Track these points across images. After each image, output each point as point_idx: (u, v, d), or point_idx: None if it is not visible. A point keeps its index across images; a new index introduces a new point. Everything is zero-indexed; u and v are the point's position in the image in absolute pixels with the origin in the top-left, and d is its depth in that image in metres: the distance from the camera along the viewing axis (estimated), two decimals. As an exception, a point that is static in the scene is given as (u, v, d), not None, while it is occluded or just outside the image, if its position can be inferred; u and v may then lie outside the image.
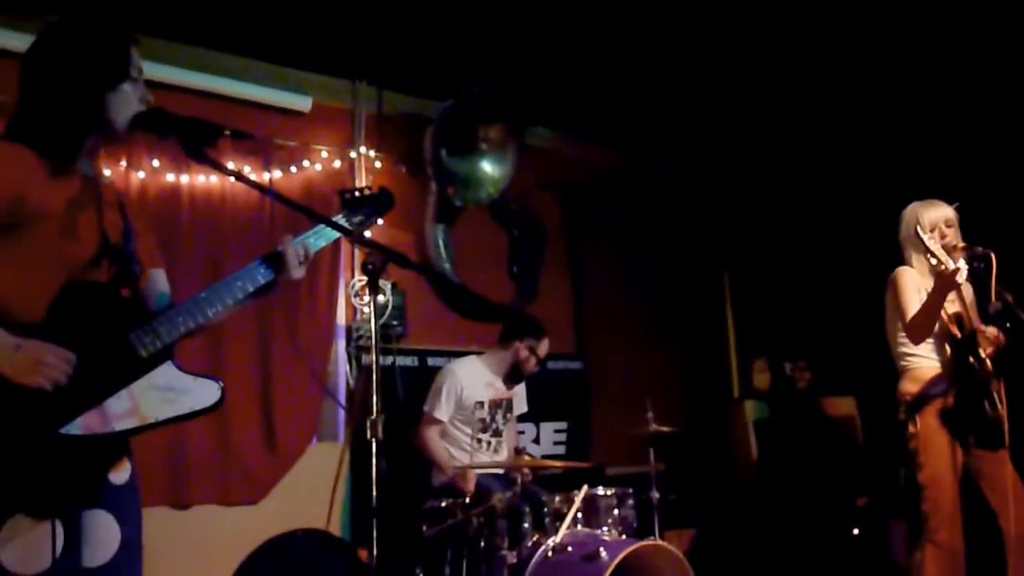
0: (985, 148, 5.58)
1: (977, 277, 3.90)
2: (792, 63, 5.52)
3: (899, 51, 5.31)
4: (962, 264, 3.68)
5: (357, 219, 2.55)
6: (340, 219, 2.52)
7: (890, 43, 5.26)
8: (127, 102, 2.16)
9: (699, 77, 5.76)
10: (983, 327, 3.87)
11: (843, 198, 6.33)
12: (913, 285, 3.91)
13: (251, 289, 2.29)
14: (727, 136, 6.57)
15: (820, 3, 4.90)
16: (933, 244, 3.67)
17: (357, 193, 2.60)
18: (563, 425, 6.23)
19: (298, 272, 2.36)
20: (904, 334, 3.92)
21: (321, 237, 2.45)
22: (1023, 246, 4.20)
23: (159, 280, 2.35)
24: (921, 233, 3.74)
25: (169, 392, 2.12)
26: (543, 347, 4.99)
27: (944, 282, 3.63)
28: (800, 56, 5.43)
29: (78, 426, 1.97)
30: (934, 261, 3.65)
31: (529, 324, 5.06)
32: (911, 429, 3.87)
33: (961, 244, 3.90)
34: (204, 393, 2.17)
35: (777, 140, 6.46)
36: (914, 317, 3.82)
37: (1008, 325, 3.81)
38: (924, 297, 3.81)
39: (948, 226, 3.94)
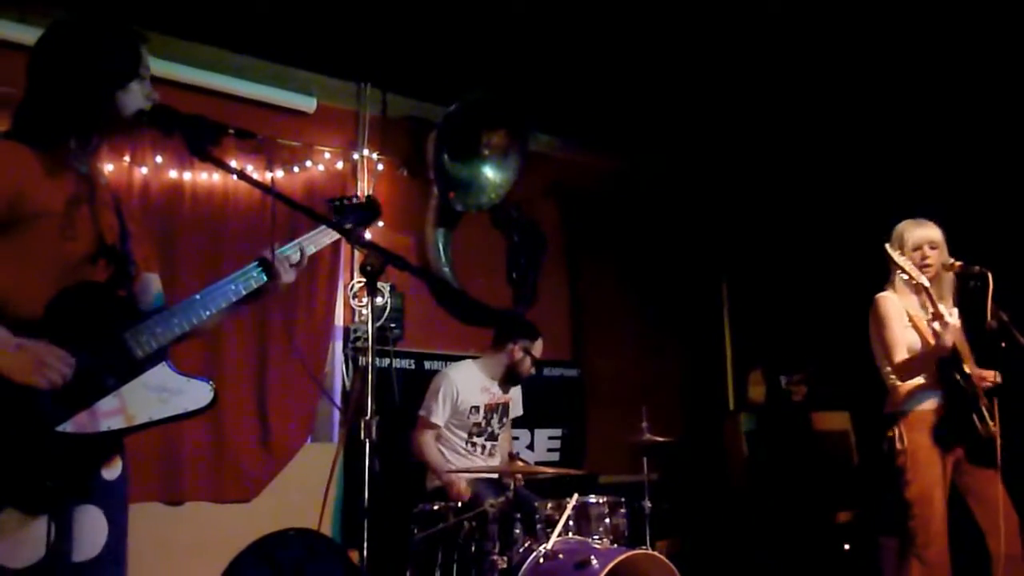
0: (982, 160, 5.59)
1: (973, 296, 3.90)
2: (792, 72, 5.54)
3: (896, 63, 5.33)
4: (955, 319, 3.77)
5: (347, 227, 2.57)
6: None
7: (887, 55, 5.28)
8: (135, 100, 2.18)
9: (699, 84, 5.78)
10: (981, 372, 3.88)
11: (844, 211, 6.32)
12: (895, 313, 3.90)
13: (244, 292, 2.30)
14: (728, 145, 6.58)
15: (817, 12, 4.91)
16: (903, 260, 3.70)
17: (346, 201, 2.63)
18: (558, 432, 6.25)
19: (288, 277, 2.38)
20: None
21: (312, 243, 2.47)
22: (1018, 262, 4.21)
23: (154, 283, 2.36)
24: (890, 250, 3.76)
25: (163, 393, 2.13)
26: (538, 348, 4.97)
27: (937, 350, 3.70)
28: (799, 65, 5.45)
29: (70, 424, 1.99)
30: (906, 276, 3.68)
31: (524, 326, 5.07)
32: (899, 445, 3.86)
33: (958, 263, 3.88)
34: (196, 394, 2.18)
35: (778, 151, 6.47)
36: (903, 364, 3.85)
37: (1003, 344, 3.80)
38: (907, 320, 3.83)
39: (932, 248, 3.90)
